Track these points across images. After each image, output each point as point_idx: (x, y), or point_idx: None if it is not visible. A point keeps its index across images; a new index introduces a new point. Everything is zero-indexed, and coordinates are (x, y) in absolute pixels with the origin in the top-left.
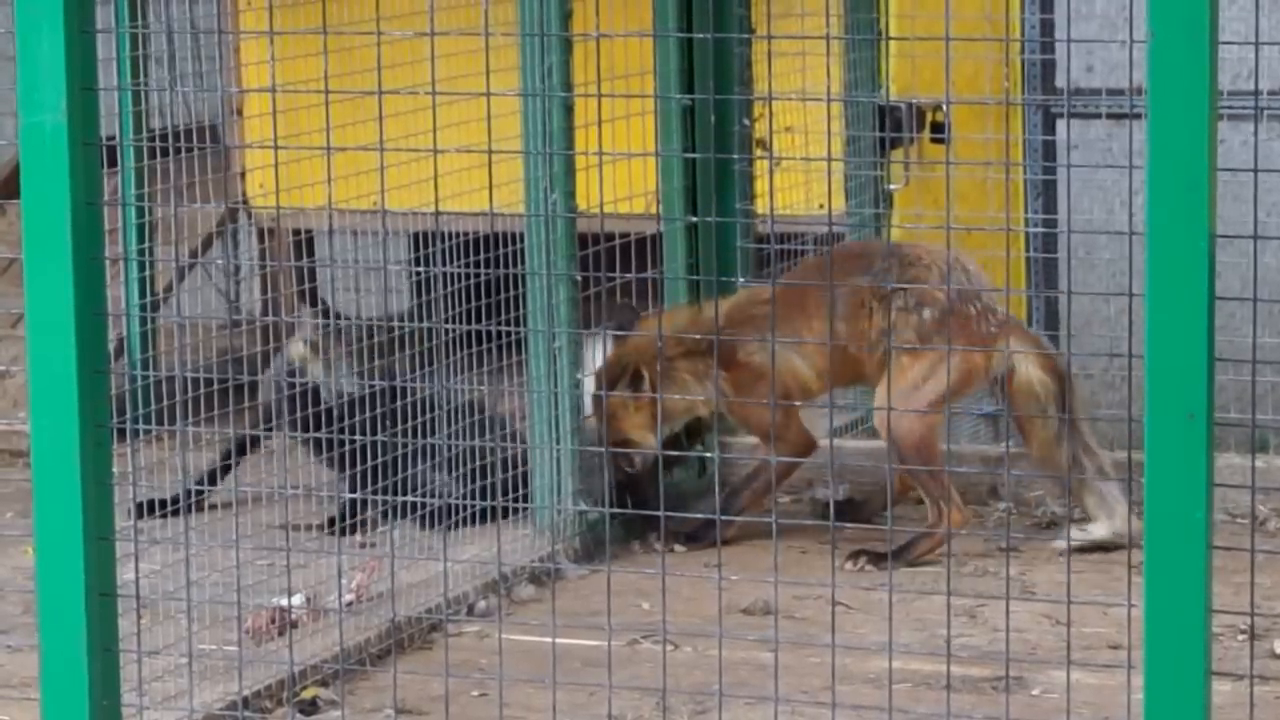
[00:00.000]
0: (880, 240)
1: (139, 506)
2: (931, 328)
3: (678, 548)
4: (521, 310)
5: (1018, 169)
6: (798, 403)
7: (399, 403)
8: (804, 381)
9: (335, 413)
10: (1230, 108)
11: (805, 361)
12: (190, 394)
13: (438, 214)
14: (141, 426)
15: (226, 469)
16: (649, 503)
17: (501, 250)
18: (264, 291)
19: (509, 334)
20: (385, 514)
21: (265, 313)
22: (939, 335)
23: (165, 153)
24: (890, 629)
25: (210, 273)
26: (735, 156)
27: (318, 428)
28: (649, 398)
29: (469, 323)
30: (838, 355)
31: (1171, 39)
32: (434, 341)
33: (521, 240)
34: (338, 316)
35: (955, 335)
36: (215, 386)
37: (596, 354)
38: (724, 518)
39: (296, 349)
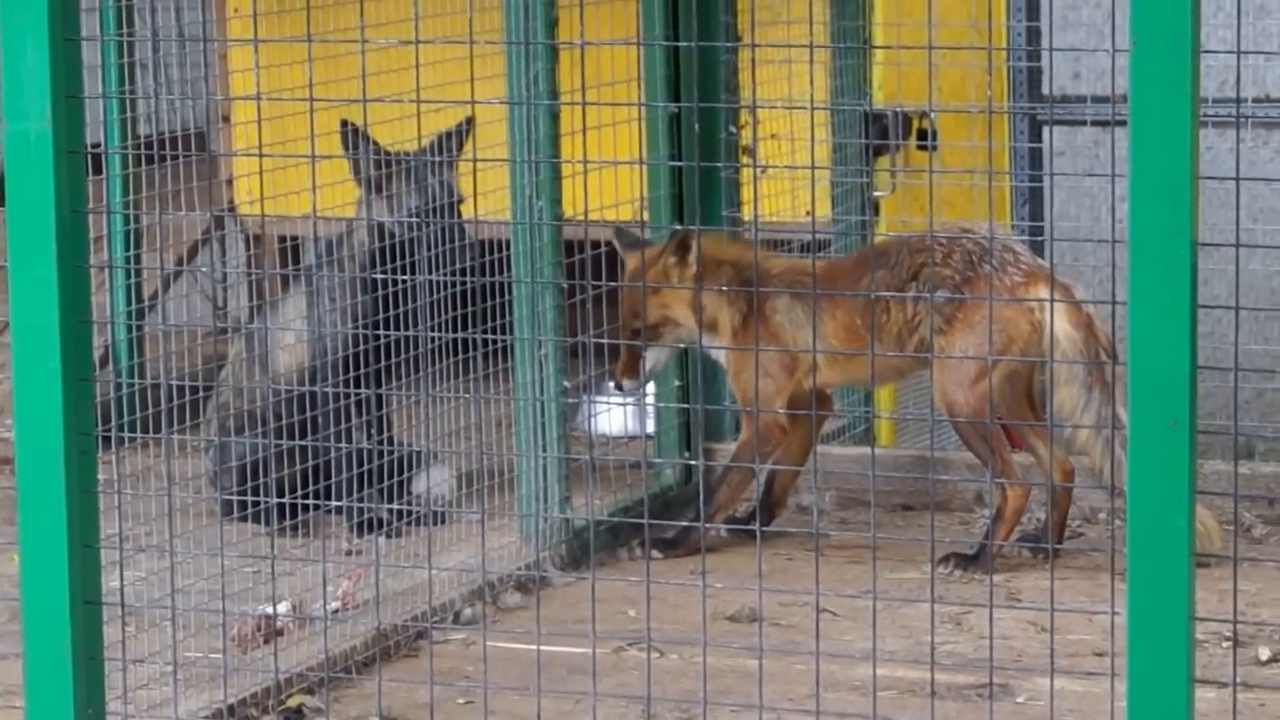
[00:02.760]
0: (907, 234)
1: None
2: (951, 308)
3: (655, 554)
4: (507, 318)
5: (1004, 176)
6: (788, 385)
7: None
8: (807, 361)
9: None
10: (1216, 115)
11: (820, 344)
12: (176, 401)
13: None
14: (127, 435)
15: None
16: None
17: (487, 257)
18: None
19: (494, 341)
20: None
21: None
22: (961, 311)
23: (152, 160)
24: (875, 636)
25: (197, 279)
26: (721, 164)
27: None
28: (689, 274)
29: (454, 330)
30: (861, 348)
31: (1153, 48)
32: (418, 349)
33: (507, 247)
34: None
35: (982, 300)
36: (200, 394)
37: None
38: (697, 524)
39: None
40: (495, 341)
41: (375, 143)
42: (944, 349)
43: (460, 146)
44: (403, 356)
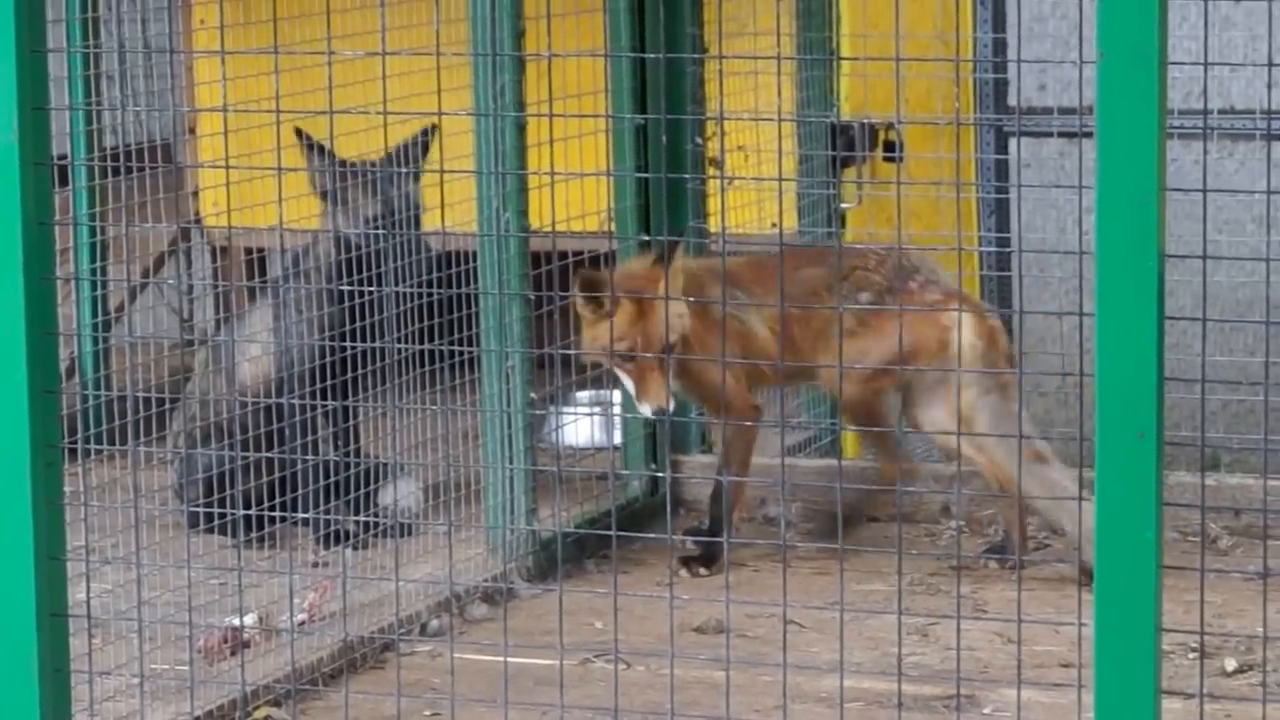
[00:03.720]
0: (829, 244)
1: None
2: (866, 316)
3: (702, 571)
4: (474, 329)
5: (970, 188)
6: (745, 384)
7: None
8: (763, 345)
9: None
10: (1182, 127)
11: (764, 328)
12: (142, 413)
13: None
14: (93, 446)
15: None
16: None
17: (454, 269)
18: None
19: (461, 353)
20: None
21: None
22: (876, 317)
23: (118, 172)
24: (842, 648)
25: (163, 291)
26: (688, 176)
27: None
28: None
29: (421, 342)
30: (788, 345)
31: (1120, 59)
32: (384, 361)
33: (474, 259)
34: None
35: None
36: (167, 406)
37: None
38: (720, 539)
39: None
40: (462, 353)
41: (331, 153)
42: (849, 347)
43: (422, 156)
44: (366, 369)
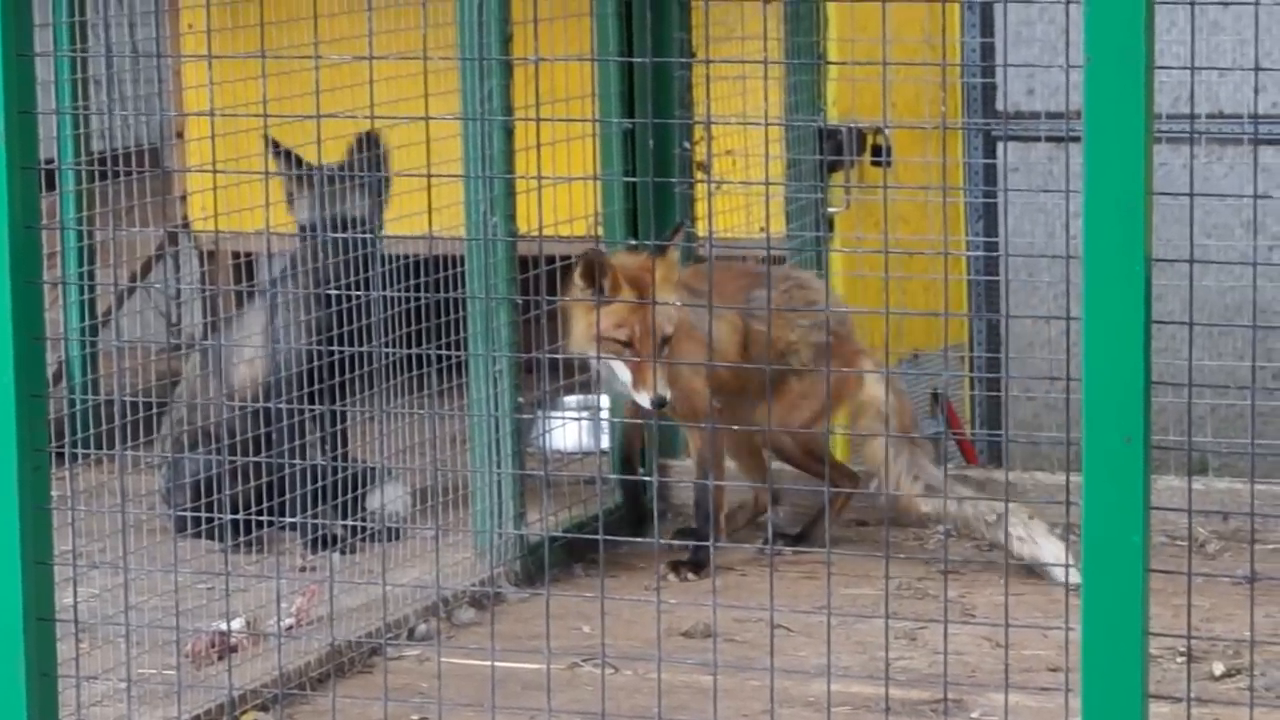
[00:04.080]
0: (768, 263)
1: None
2: (822, 349)
3: (690, 576)
4: (462, 334)
5: (958, 192)
6: (710, 393)
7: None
8: (722, 353)
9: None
10: (1169, 131)
11: (726, 339)
12: (130, 418)
13: (379, 237)
14: (81, 451)
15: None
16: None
17: (442, 273)
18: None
19: (449, 358)
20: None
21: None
22: (822, 356)
23: (106, 176)
24: (830, 652)
25: (151, 296)
26: (675, 180)
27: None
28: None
29: (408, 347)
30: (746, 362)
31: (1107, 64)
32: (373, 365)
33: (462, 263)
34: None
35: (834, 355)
36: (155, 410)
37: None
38: (708, 544)
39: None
40: (449, 358)
41: (299, 159)
42: (794, 387)
43: (379, 165)
44: (352, 374)
